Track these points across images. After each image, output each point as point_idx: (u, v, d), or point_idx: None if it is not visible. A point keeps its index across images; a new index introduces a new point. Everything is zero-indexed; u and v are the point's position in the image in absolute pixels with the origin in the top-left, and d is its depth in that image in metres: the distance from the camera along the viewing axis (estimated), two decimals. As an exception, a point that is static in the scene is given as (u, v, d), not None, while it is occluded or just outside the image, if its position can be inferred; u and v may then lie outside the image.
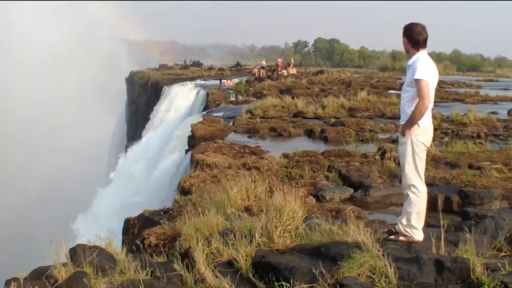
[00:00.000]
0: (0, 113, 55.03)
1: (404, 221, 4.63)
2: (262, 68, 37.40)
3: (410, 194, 4.63)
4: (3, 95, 57.51)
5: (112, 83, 59.81)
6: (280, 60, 39.65)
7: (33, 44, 70.25)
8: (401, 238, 4.64)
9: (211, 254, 4.61)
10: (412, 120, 4.61)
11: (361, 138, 12.93)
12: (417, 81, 4.53)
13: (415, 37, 4.65)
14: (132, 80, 50.15)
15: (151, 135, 28.12)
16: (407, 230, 4.62)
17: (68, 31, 77.12)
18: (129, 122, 47.49)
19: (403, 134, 4.67)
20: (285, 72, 36.34)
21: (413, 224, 4.59)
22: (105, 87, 61.76)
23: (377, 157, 9.85)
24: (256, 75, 35.79)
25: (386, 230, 4.93)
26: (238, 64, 59.90)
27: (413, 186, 4.62)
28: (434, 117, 14.69)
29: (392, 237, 4.68)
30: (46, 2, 78.31)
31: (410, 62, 4.69)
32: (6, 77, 60.64)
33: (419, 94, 4.54)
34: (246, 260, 4.42)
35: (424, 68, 4.56)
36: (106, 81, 63.67)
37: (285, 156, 10.14)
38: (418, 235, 4.60)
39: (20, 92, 59.16)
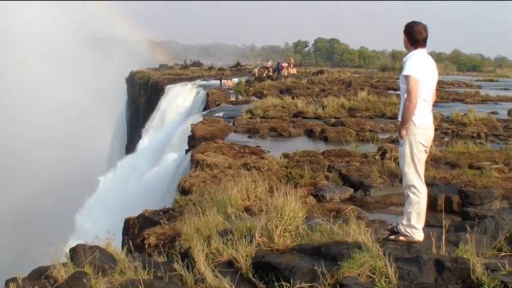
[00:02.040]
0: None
1: (404, 221, 4.64)
2: (267, 68, 37.35)
3: (411, 194, 4.63)
4: (3, 95, 57.53)
5: (112, 83, 59.79)
6: (286, 64, 39.44)
7: (32, 43, 70.25)
8: (401, 238, 4.64)
9: (211, 254, 4.62)
10: (403, 119, 4.62)
11: (361, 138, 12.93)
12: (405, 77, 4.56)
13: (414, 36, 4.66)
14: (132, 80, 50.14)
15: (151, 135, 28.12)
16: (408, 230, 4.62)
17: (67, 31, 77.13)
18: (129, 122, 47.49)
19: (400, 135, 4.67)
20: (285, 72, 36.34)
21: (413, 224, 4.59)
22: (105, 87, 61.75)
23: (377, 157, 9.85)
24: (256, 75, 35.78)
25: (389, 227, 4.94)
26: (238, 64, 59.89)
27: (413, 186, 4.61)
28: (434, 117, 14.77)
29: (392, 237, 4.69)
30: (45, 2, 78.36)
31: (405, 58, 4.73)
32: (6, 77, 60.63)
33: (407, 90, 4.56)
34: (246, 260, 4.42)
35: (414, 65, 4.57)
36: (106, 81, 63.66)
37: (285, 156, 10.14)
38: (418, 235, 4.60)
39: (19, 92, 59.16)
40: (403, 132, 4.62)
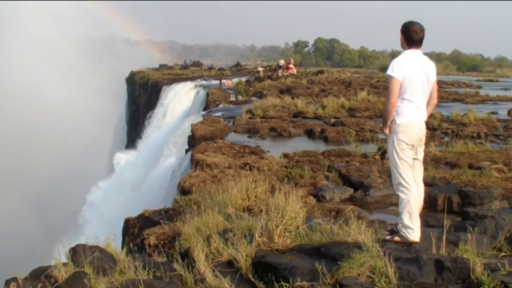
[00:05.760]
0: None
1: (400, 221, 4.66)
2: (280, 67, 37.29)
3: (399, 193, 4.67)
4: (4, 95, 57.54)
5: (112, 83, 59.81)
6: (291, 65, 39.23)
7: (32, 43, 70.27)
8: (396, 238, 4.65)
9: (211, 254, 4.62)
10: (382, 118, 4.75)
11: (361, 138, 12.93)
12: (387, 77, 4.61)
13: (410, 35, 4.68)
14: (132, 80, 50.14)
15: (151, 135, 28.12)
16: (403, 230, 4.62)
17: (68, 31, 77.14)
18: (129, 122, 47.49)
19: (384, 134, 4.78)
20: (288, 72, 36.32)
21: (406, 223, 4.58)
22: (105, 87, 61.77)
23: (377, 157, 9.85)
24: (261, 75, 35.78)
25: (388, 228, 4.94)
26: (238, 64, 59.97)
27: (400, 184, 4.64)
28: (434, 117, 14.80)
29: (388, 237, 4.69)
30: (46, 2, 78.26)
31: None
32: (6, 76, 60.65)
33: (387, 90, 4.63)
34: (246, 260, 4.42)
35: (396, 65, 4.61)
36: (106, 81, 63.68)
37: (285, 156, 10.14)
38: (413, 235, 4.58)
39: (19, 92, 59.16)
40: (386, 131, 4.70)
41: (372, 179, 7.96)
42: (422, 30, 4.68)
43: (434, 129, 13.89)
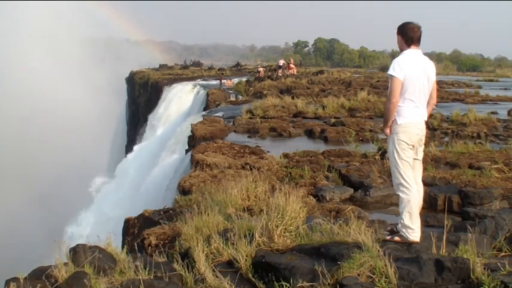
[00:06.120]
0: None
1: (400, 221, 4.66)
2: (280, 67, 37.22)
3: (400, 193, 4.67)
4: (4, 95, 57.55)
5: (112, 83, 59.80)
6: (292, 65, 39.11)
7: (32, 43, 70.25)
8: (396, 238, 4.65)
9: (211, 254, 4.62)
10: (383, 119, 4.73)
11: (361, 138, 12.93)
12: (388, 76, 4.60)
13: (408, 33, 4.68)
14: (132, 80, 50.14)
15: (150, 135, 28.11)
16: (403, 230, 4.63)
17: (68, 31, 77.16)
18: (129, 122, 47.50)
19: (385, 134, 4.78)
20: (288, 71, 36.30)
21: (407, 223, 4.59)
22: (105, 87, 61.76)
23: (377, 157, 9.85)
24: (261, 75, 35.76)
25: (388, 228, 4.94)
26: (238, 64, 60.02)
27: (401, 184, 4.64)
28: (434, 117, 14.79)
29: (388, 237, 4.69)
30: (46, 3, 78.27)
31: None
32: (6, 76, 60.65)
33: (388, 90, 4.61)
34: (246, 260, 4.42)
35: (397, 65, 4.60)
36: (106, 80, 63.66)
37: (285, 156, 10.14)
38: (414, 235, 4.58)
39: (19, 92, 59.17)
40: (387, 131, 4.70)
41: (372, 179, 7.96)
42: (419, 28, 4.70)
43: (434, 129, 13.88)
